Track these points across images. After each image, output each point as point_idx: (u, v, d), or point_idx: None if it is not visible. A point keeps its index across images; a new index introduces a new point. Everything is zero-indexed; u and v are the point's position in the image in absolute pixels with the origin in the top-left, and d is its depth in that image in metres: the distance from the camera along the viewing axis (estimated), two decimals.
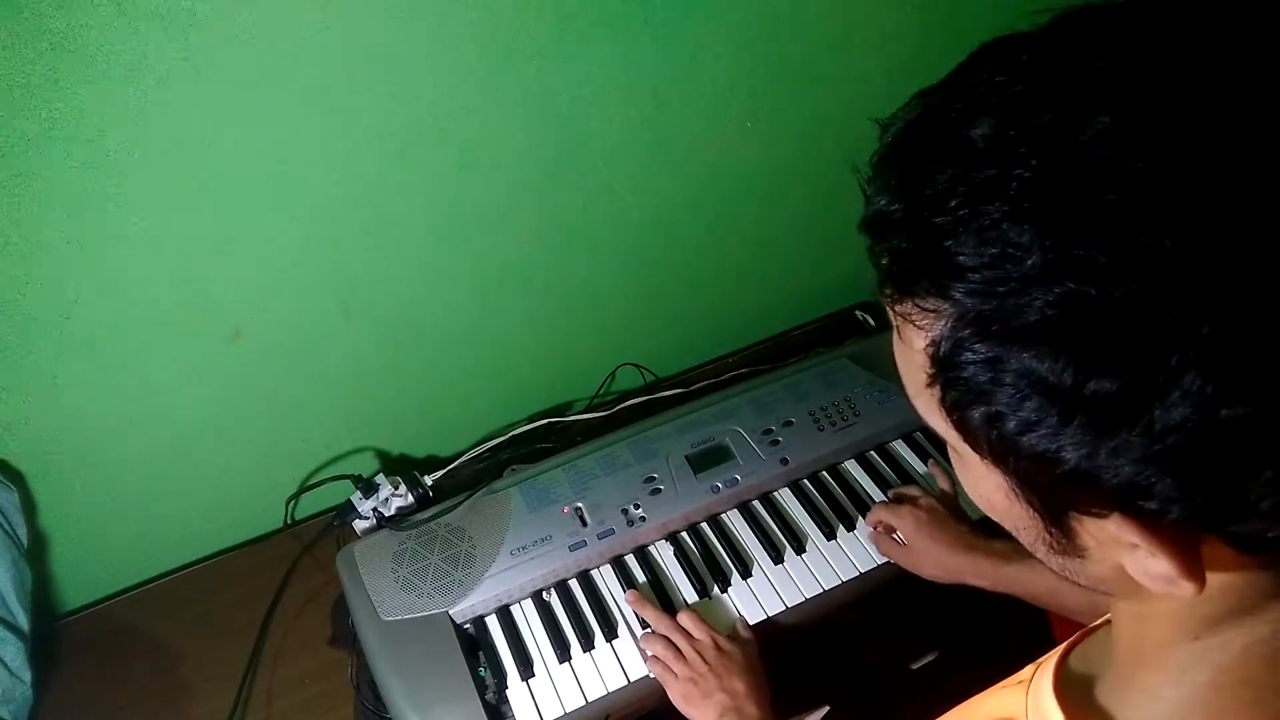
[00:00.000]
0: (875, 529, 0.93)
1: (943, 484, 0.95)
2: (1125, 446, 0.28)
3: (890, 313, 0.35)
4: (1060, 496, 0.32)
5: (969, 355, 0.30)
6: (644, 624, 0.89)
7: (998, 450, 0.32)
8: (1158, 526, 0.30)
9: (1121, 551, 0.33)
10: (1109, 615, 0.43)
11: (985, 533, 0.85)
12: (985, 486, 0.36)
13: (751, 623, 0.89)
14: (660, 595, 0.92)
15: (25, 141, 0.70)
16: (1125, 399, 0.27)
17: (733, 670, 0.80)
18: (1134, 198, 0.26)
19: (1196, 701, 0.35)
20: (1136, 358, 0.27)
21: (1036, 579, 0.78)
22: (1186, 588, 0.31)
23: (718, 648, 0.83)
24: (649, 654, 0.85)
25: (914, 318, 0.32)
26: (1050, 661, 0.42)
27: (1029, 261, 0.28)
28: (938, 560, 0.85)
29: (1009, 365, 0.29)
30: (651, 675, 0.85)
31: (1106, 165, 0.27)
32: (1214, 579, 0.32)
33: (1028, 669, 0.44)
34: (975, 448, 0.33)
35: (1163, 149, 0.27)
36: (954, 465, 0.40)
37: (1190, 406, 0.26)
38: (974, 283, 0.29)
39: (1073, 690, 0.40)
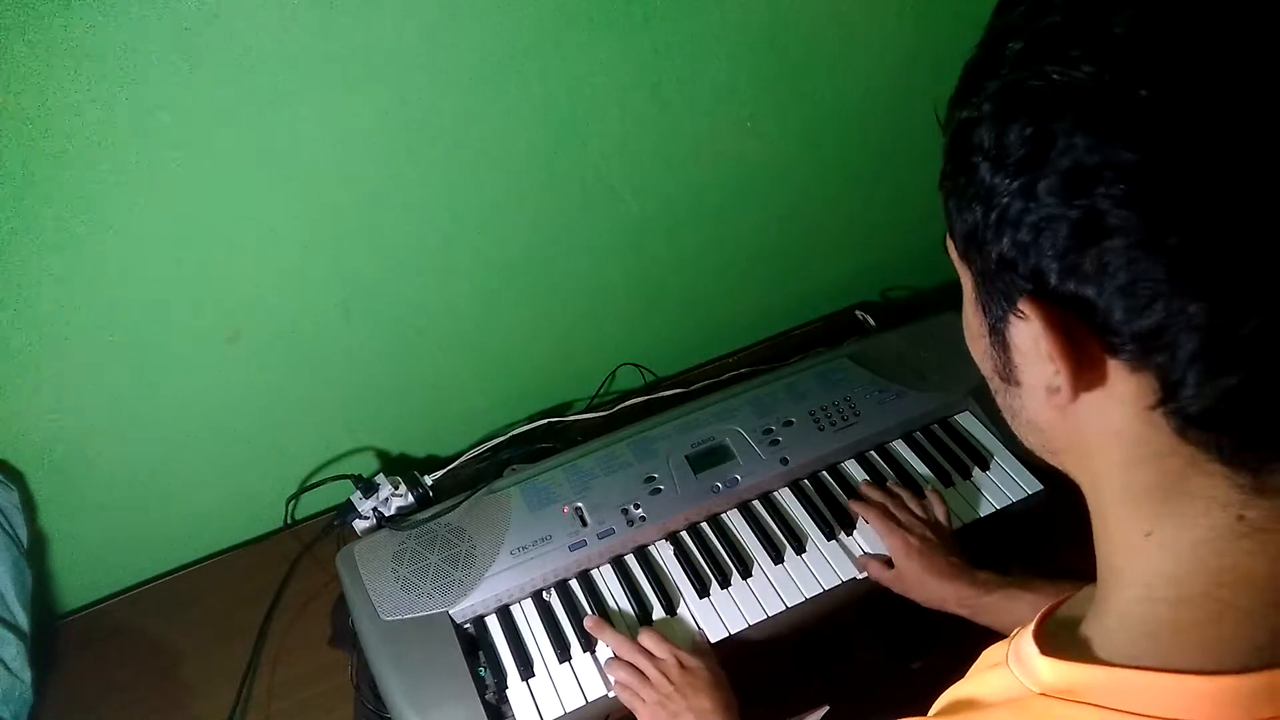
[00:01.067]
0: (863, 556, 0.93)
1: (939, 513, 0.94)
2: (1030, 197, 0.33)
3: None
4: (997, 289, 0.38)
5: (953, 140, 0.38)
6: (643, 618, 0.89)
7: (959, 240, 0.39)
8: (1053, 313, 0.35)
9: (1040, 369, 0.37)
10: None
11: (970, 565, 0.86)
12: (966, 304, 0.43)
13: (751, 622, 0.89)
14: (661, 596, 0.92)
15: (24, 141, 0.70)
16: (1031, 147, 0.33)
17: (699, 687, 0.80)
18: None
19: (1162, 619, 0.37)
20: (1041, 116, 0.33)
21: (1012, 609, 0.80)
22: (1065, 389, 0.36)
23: (681, 665, 0.82)
24: (614, 681, 0.85)
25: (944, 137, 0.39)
26: (1030, 625, 0.44)
27: (1000, 70, 0.35)
28: (923, 586, 0.86)
29: (972, 139, 0.36)
30: (612, 694, 0.84)
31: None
32: (1137, 446, 0.36)
33: (1018, 628, 0.45)
34: (955, 247, 0.40)
35: None
36: (963, 307, 0.45)
37: (1071, 155, 0.32)
38: (969, 89, 0.37)
39: (1054, 631, 0.42)
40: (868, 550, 0.94)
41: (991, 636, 0.79)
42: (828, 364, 1.10)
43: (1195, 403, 0.33)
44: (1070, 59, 0.32)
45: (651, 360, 1.23)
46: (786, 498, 1.01)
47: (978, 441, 1.05)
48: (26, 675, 0.87)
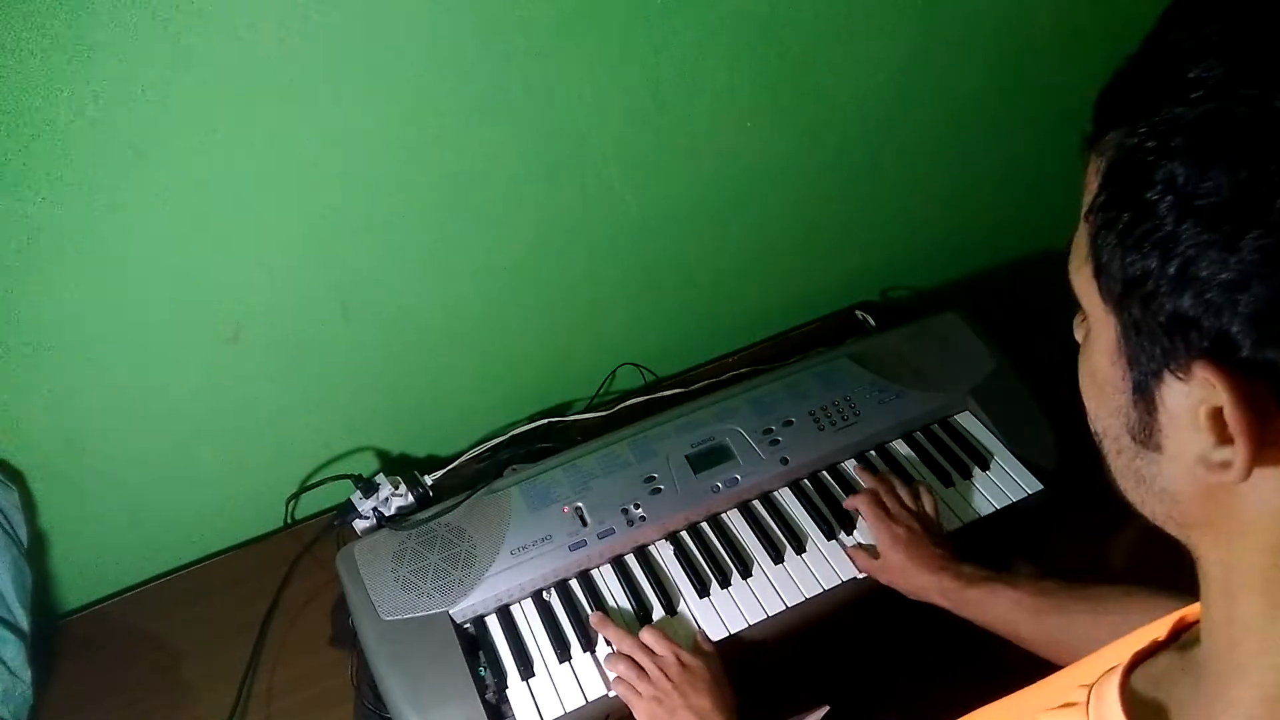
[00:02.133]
0: (851, 547, 0.94)
1: (926, 505, 0.95)
2: (1229, 250, 0.29)
3: (1089, 179, 0.36)
4: (1157, 346, 0.33)
5: (1120, 168, 0.33)
6: (643, 618, 0.89)
7: (1114, 282, 0.34)
8: (1238, 382, 0.31)
9: (1195, 437, 0.33)
10: (1173, 619, 0.42)
11: (956, 558, 0.87)
12: (1097, 352, 0.38)
13: (752, 622, 0.89)
14: (661, 596, 0.92)
15: (21, 140, 0.70)
16: (1244, 193, 0.28)
17: (698, 686, 0.80)
18: None
19: None
20: (1262, 157, 0.28)
21: (997, 603, 0.79)
22: (1239, 465, 0.31)
23: (681, 663, 0.82)
24: (613, 675, 0.85)
25: (1095, 158, 0.35)
26: (1109, 683, 0.40)
27: (1192, 95, 0.30)
28: (907, 577, 0.87)
29: (1153, 174, 0.31)
30: (612, 694, 0.84)
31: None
32: None
33: (1071, 688, 0.42)
34: (1103, 289, 0.35)
35: None
36: (1080, 351, 0.40)
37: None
38: (1139, 109, 0.32)
39: (1143, 706, 0.38)
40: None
41: (989, 636, 0.80)
42: (828, 364, 1.10)
43: None
44: None
45: (651, 360, 1.23)
46: (786, 498, 1.01)
47: (978, 441, 1.05)
48: (26, 675, 0.87)
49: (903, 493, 0.96)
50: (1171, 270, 0.31)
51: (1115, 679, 0.40)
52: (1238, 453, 0.31)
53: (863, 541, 0.95)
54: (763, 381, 1.09)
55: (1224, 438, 0.32)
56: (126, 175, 0.76)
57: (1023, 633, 0.77)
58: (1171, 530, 0.39)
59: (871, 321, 1.25)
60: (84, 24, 0.66)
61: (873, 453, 1.05)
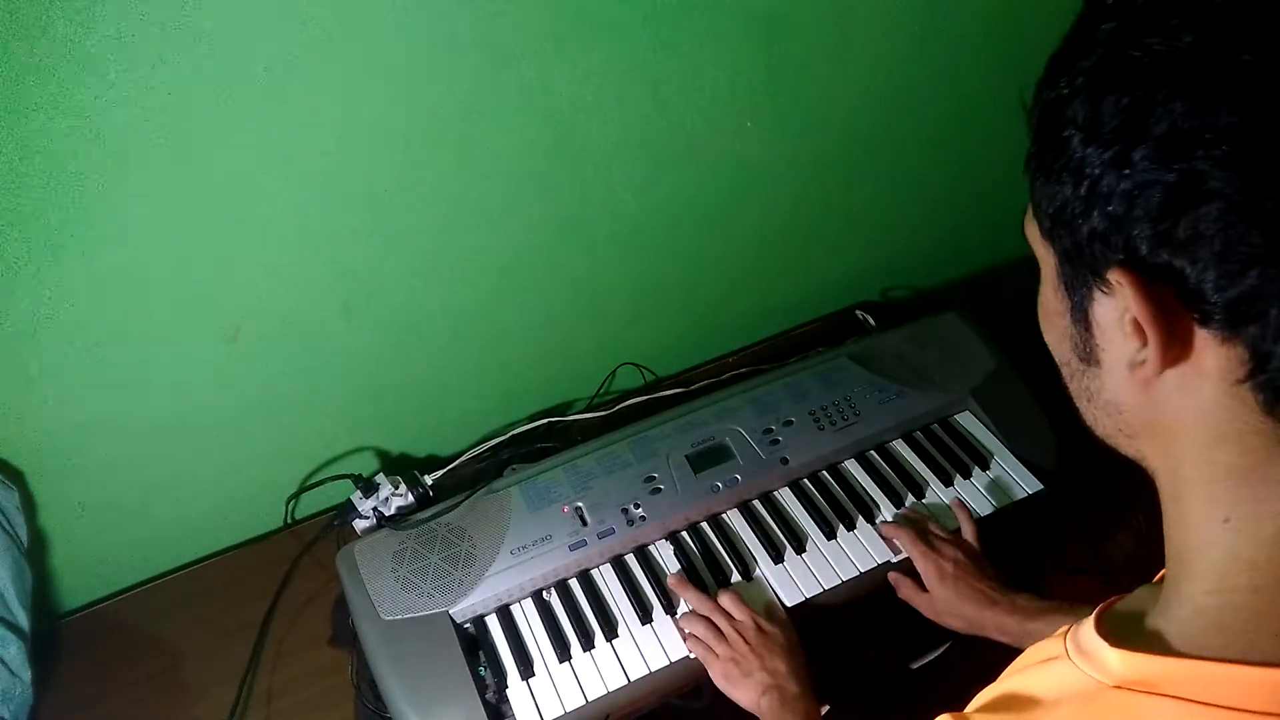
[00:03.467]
0: (895, 574, 0.91)
1: (967, 531, 0.93)
2: (1124, 164, 0.34)
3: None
4: (1082, 269, 0.38)
5: (1042, 118, 0.38)
6: (643, 617, 0.89)
7: (1044, 218, 0.39)
8: (1143, 283, 0.35)
9: (1122, 344, 0.37)
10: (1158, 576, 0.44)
11: (1009, 588, 0.84)
12: (1045, 285, 0.43)
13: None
14: (660, 595, 0.92)
15: (20, 139, 0.70)
16: (1127, 115, 0.33)
17: (774, 650, 0.81)
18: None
19: (1239, 608, 0.37)
20: (1137, 85, 0.33)
21: None
22: (1153, 359, 0.36)
23: (758, 628, 0.84)
24: (689, 633, 0.86)
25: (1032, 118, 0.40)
26: (1086, 619, 0.43)
27: (1097, 48, 0.35)
28: (959, 612, 0.84)
29: (1063, 115, 0.36)
30: (692, 656, 0.85)
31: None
32: (1221, 423, 0.36)
33: (1064, 626, 0.44)
34: (1040, 227, 0.40)
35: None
36: (1040, 289, 0.44)
37: (1168, 119, 0.32)
38: (1059, 70, 0.37)
39: (1116, 626, 0.41)
40: (869, 550, 0.94)
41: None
42: (828, 364, 1.10)
43: None
44: (1170, 29, 0.32)
45: (651, 360, 1.23)
46: (786, 497, 1.01)
47: (978, 441, 1.05)
48: (26, 675, 0.87)
49: (940, 530, 0.93)
50: (1083, 191, 0.36)
51: (1092, 615, 0.43)
52: (1150, 348, 0.36)
53: (864, 541, 0.95)
54: (763, 381, 1.09)
55: (1144, 339, 0.36)
56: (126, 175, 0.76)
57: None
58: (1123, 446, 0.43)
59: (871, 321, 1.25)
60: (83, 25, 0.66)
61: (873, 453, 1.05)
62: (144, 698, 0.93)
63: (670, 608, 0.91)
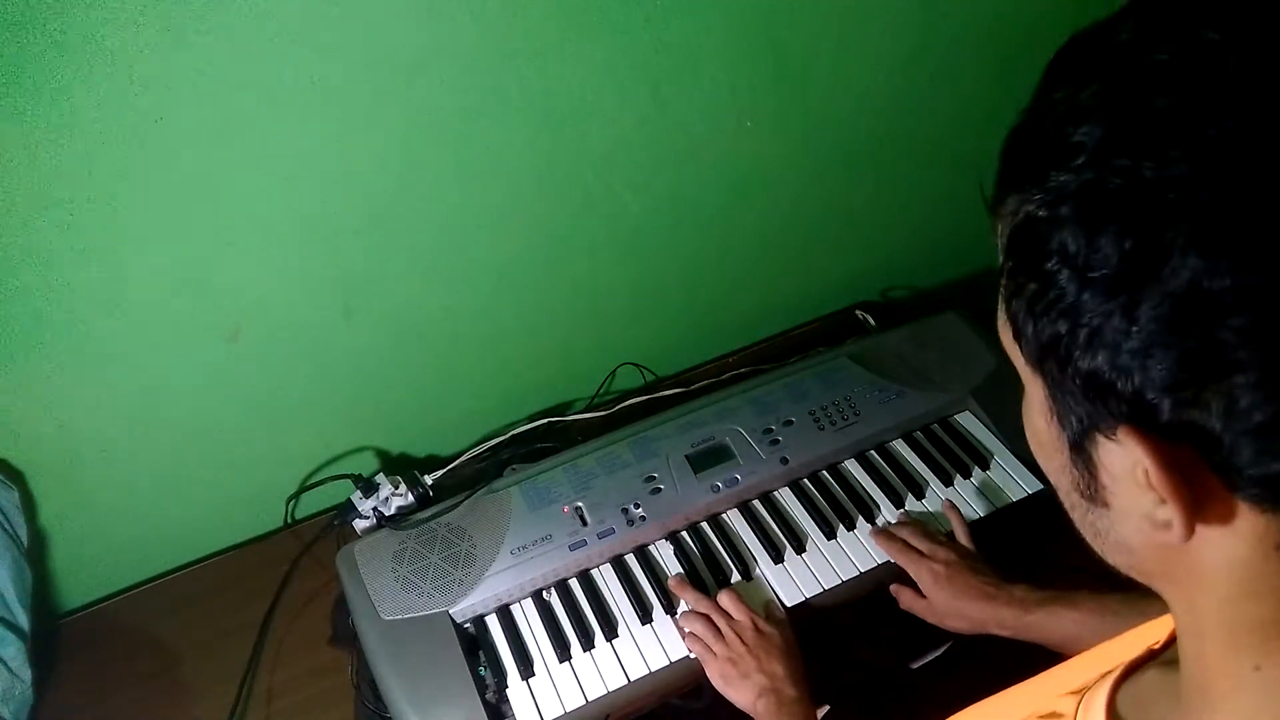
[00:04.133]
0: (896, 585, 0.90)
1: (959, 532, 0.92)
2: (1129, 319, 0.29)
3: (997, 240, 0.36)
4: (1081, 408, 0.33)
5: (1019, 237, 0.33)
6: (643, 617, 0.89)
7: (1030, 346, 0.34)
8: (1162, 447, 0.30)
9: (1138, 494, 0.32)
10: (1160, 638, 0.42)
11: (1006, 581, 0.84)
12: (1033, 411, 0.38)
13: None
14: (660, 595, 0.92)
15: (21, 140, 0.70)
16: (1133, 262, 0.28)
17: (771, 652, 0.81)
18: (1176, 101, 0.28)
19: None
20: (1144, 226, 0.28)
21: (1059, 625, 0.77)
22: (1177, 527, 0.31)
23: (757, 629, 0.84)
24: (687, 632, 0.86)
25: (999, 223, 0.35)
26: (1099, 693, 0.40)
27: (1073, 162, 0.30)
28: (960, 612, 0.84)
29: (1048, 244, 0.31)
30: (691, 655, 0.86)
31: (1164, 75, 0.29)
32: (1255, 581, 0.32)
33: (1058, 694, 0.42)
34: (1024, 352, 0.35)
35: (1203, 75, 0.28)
36: (1023, 409, 0.40)
37: (1185, 274, 0.27)
38: (1029, 175, 0.32)
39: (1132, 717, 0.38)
40: (869, 550, 0.94)
41: (1000, 643, 0.79)
42: (828, 364, 1.10)
43: None
44: (1167, 158, 0.28)
45: (651, 360, 1.23)
46: (786, 497, 1.01)
47: (978, 441, 1.05)
48: (27, 674, 0.87)
49: (930, 540, 0.91)
50: (1081, 337, 0.31)
51: (1104, 694, 0.40)
52: (1174, 514, 0.31)
53: (864, 541, 0.95)
54: (763, 381, 1.09)
55: (1163, 498, 0.31)
56: (126, 174, 0.76)
57: (1087, 649, 0.75)
58: (1137, 579, 0.38)
59: (871, 321, 1.25)
60: (81, 26, 0.67)
61: (873, 453, 1.05)
62: (144, 698, 0.93)
63: (670, 608, 0.91)
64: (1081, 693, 0.41)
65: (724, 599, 0.88)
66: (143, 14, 0.68)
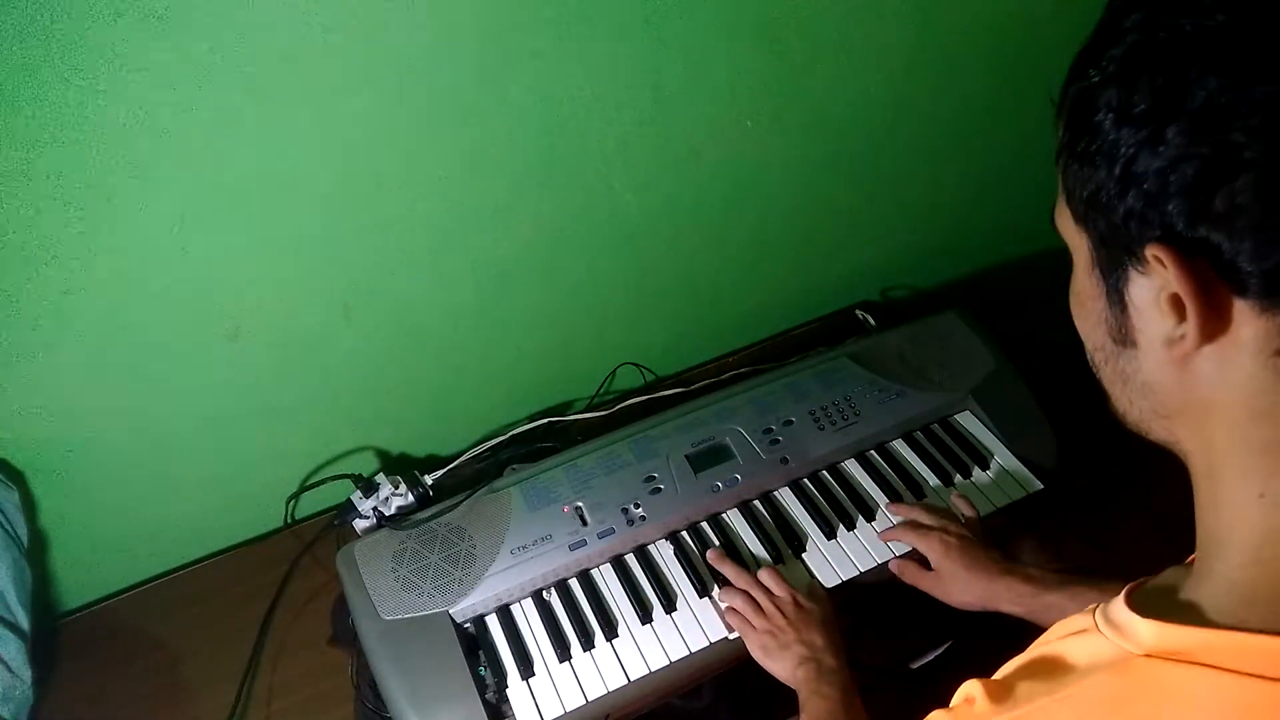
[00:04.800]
0: (897, 561, 0.91)
1: (967, 510, 0.93)
2: (1158, 141, 0.35)
3: (1059, 132, 0.42)
4: (1117, 250, 0.39)
5: (1076, 107, 0.39)
6: (643, 617, 0.89)
7: (1079, 203, 0.40)
8: (1181, 259, 0.35)
9: (1159, 322, 0.38)
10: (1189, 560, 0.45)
11: (1013, 559, 0.83)
12: (1078, 271, 0.43)
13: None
14: (660, 595, 0.92)
15: (24, 141, 0.70)
16: (1161, 95, 0.34)
17: (811, 624, 0.82)
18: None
19: (1275, 579, 0.37)
20: (1173, 65, 0.34)
21: (1079, 608, 0.76)
22: (1192, 332, 0.36)
23: (797, 604, 0.85)
24: (726, 606, 0.87)
25: (1061, 118, 0.41)
26: (1119, 591, 0.43)
27: (1124, 37, 0.36)
28: (969, 587, 0.83)
29: (1096, 101, 0.37)
30: (733, 635, 0.87)
31: None
32: (1259, 396, 0.36)
33: (1080, 618, 0.44)
34: (1074, 212, 0.41)
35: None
36: (1071, 280, 0.45)
37: (1203, 94, 0.33)
38: (1088, 62, 0.38)
39: (1147, 600, 0.41)
40: (869, 550, 0.94)
41: (997, 636, 0.79)
42: (828, 364, 1.10)
43: None
44: (1203, 9, 0.33)
45: (651, 360, 1.23)
46: (786, 497, 1.01)
47: (978, 441, 1.05)
48: (27, 674, 0.87)
49: (938, 516, 0.92)
50: (1117, 172, 0.37)
51: (1125, 588, 0.44)
52: (1190, 322, 0.36)
53: (864, 540, 0.95)
54: (763, 381, 1.09)
55: (1181, 316, 0.37)
56: (126, 174, 0.76)
57: None
58: (1157, 429, 0.43)
59: (871, 321, 1.25)
60: (81, 25, 0.67)
61: (873, 452, 1.05)
62: (144, 698, 0.93)
63: (670, 607, 0.91)
64: (1094, 607, 0.44)
65: (764, 575, 0.89)
66: (143, 11, 0.68)
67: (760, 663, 0.83)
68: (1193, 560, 0.43)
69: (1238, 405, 0.37)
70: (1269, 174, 0.32)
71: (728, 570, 0.91)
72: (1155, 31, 0.35)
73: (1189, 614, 0.39)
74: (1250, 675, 0.35)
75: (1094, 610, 0.43)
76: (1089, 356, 0.46)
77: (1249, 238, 0.33)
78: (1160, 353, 0.39)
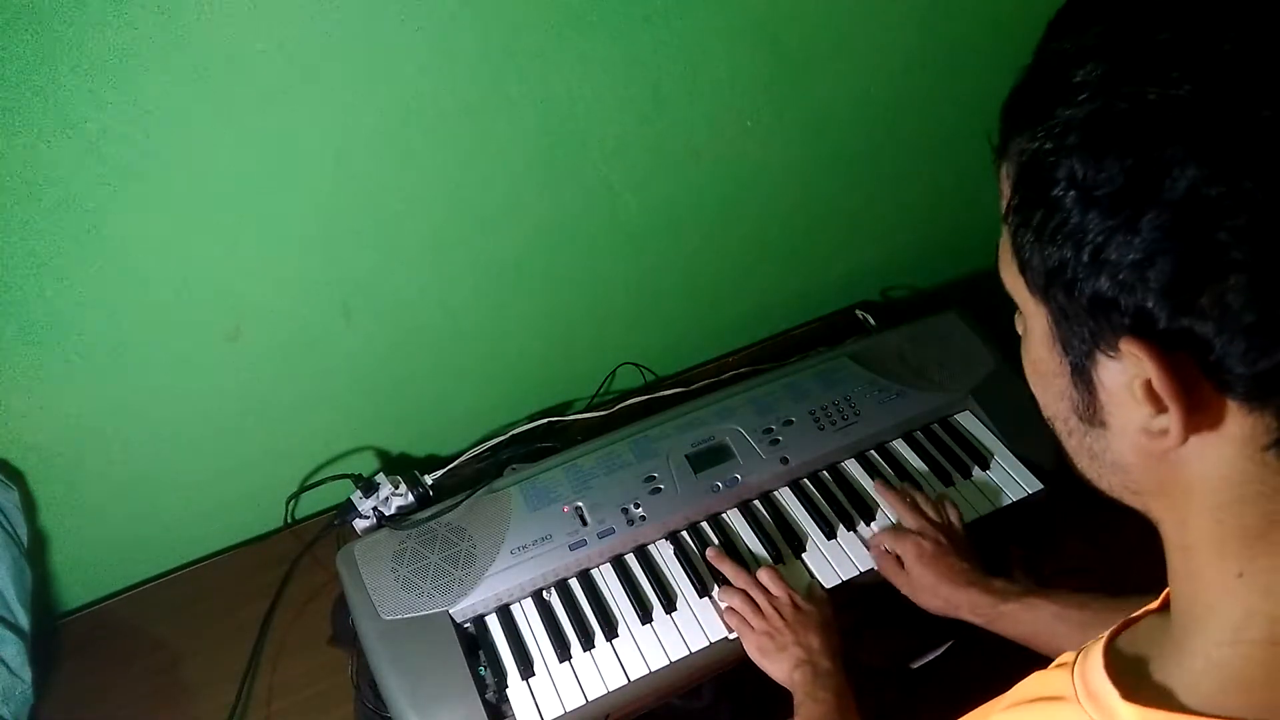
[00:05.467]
0: (878, 549, 0.92)
1: (953, 516, 0.93)
2: (1131, 232, 0.31)
3: (1003, 185, 0.39)
4: (1085, 328, 0.36)
5: (1027, 171, 0.35)
6: (644, 617, 0.89)
7: (1037, 275, 0.36)
8: (1160, 355, 0.33)
9: (1134, 409, 0.35)
10: (1155, 602, 0.44)
11: (986, 572, 0.85)
12: (1035, 342, 0.40)
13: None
14: (661, 595, 0.92)
15: (23, 141, 0.70)
16: (1134, 178, 0.31)
17: (809, 626, 0.82)
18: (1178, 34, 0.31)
19: (1257, 663, 0.35)
20: (1146, 144, 0.31)
21: (1034, 617, 0.77)
22: (1175, 431, 0.34)
23: (795, 605, 0.85)
24: (725, 605, 0.87)
25: (1005, 165, 0.38)
26: (1095, 645, 0.42)
27: (1079, 97, 0.33)
28: (936, 591, 0.85)
29: (1055, 172, 0.33)
30: (731, 635, 0.87)
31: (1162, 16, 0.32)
32: (1243, 486, 0.34)
33: (1067, 654, 0.43)
34: (1029, 282, 0.38)
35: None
36: (1022, 345, 0.43)
37: (1184, 184, 0.30)
38: (1035, 116, 0.35)
39: (1125, 669, 0.40)
40: (868, 550, 0.94)
41: (1000, 642, 0.80)
42: (828, 364, 1.10)
43: None
44: (1168, 78, 0.30)
45: (651, 360, 1.23)
46: (786, 497, 1.01)
47: (978, 441, 1.05)
48: (27, 674, 0.87)
49: (927, 508, 0.94)
50: (1085, 257, 0.33)
51: (1102, 639, 0.42)
52: (1172, 419, 0.34)
53: (863, 540, 0.95)
54: (763, 381, 1.09)
55: (1160, 407, 0.34)
56: (126, 173, 0.76)
57: (1065, 646, 0.75)
58: (1128, 500, 0.41)
59: (871, 321, 1.25)
60: (81, 25, 0.67)
61: (873, 452, 1.05)
62: (144, 697, 0.93)
63: (670, 607, 0.91)
64: (1071, 662, 0.42)
65: (764, 576, 0.89)
66: (143, 11, 0.68)
67: (757, 663, 0.83)
68: (1166, 600, 0.42)
69: (1217, 492, 0.35)
70: (1261, 276, 0.29)
71: (726, 569, 0.91)
72: (1115, 100, 0.31)
73: (1169, 697, 0.37)
74: None
75: (1071, 667, 0.41)
76: (1049, 422, 0.43)
77: (1241, 340, 0.31)
78: (1136, 438, 0.36)
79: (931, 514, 0.93)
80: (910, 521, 0.92)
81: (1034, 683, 0.45)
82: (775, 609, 0.85)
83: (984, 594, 0.81)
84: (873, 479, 1.02)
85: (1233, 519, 0.35)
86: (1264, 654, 0.35)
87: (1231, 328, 0.31)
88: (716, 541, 0.96)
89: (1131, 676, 0.39)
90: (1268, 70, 0.29)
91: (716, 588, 0.91)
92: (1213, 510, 0.36)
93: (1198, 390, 0.33)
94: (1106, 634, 0.43)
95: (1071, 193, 0.33)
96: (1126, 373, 0.35)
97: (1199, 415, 0.34)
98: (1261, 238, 0.29)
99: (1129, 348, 0.33)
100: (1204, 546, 0.37)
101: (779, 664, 0.81)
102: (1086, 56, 0.33)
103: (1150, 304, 0.32)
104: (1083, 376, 0.38)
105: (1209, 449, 0.35)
